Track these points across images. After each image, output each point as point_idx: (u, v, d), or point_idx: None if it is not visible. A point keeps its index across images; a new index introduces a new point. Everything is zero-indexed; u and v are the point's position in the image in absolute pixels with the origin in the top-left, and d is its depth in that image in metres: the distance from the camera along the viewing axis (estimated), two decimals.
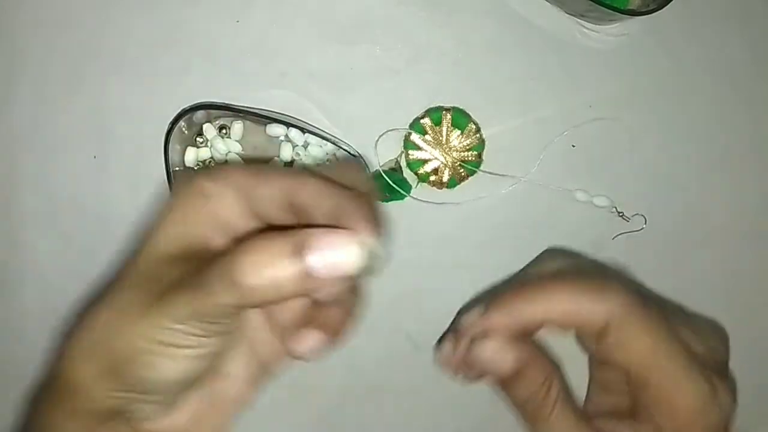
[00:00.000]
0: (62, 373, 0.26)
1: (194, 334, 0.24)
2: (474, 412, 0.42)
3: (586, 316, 0.26)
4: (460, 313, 0.29)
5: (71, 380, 0.25)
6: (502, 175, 0.39)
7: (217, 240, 0.25)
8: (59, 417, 0.26)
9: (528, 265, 0.35)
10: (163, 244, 0.26)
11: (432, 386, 0.41)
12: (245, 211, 0.26)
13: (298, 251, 0.22)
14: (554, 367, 0.27)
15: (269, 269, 0.22)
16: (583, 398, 0.33)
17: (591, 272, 0.30)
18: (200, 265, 0.23)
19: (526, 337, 0.28)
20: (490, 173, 0.39)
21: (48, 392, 0.27)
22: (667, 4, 0.35)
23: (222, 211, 0.25)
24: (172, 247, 0.25)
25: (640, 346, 0.26)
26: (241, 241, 0.23)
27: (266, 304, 0.23)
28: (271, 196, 0.25)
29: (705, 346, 0.28)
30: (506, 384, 0.28)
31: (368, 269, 0.23)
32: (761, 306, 0.41)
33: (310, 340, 0.25)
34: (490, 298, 0.28)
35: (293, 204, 0.25)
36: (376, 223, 0.24)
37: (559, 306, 0.27)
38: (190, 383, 0.26)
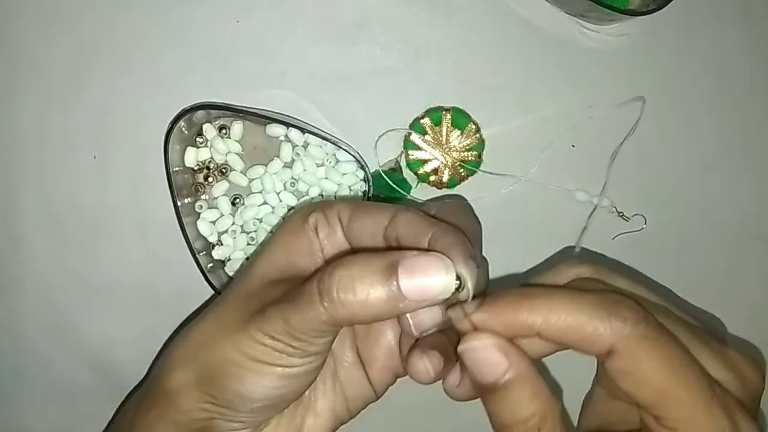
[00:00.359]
0: (160, 379, 0.27)
1: (284, 352, 0.25)
2: (474, 411, 0.42)
3: (589, 334, 0.23)
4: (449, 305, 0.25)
5: (167, 387, 0.27)
6: (502, 175, 0.39)
7: (316, 266, 0.27)
8: (152, 421, 0.27)
9: (542, 270, 0.33)
10: (267, 267, 0.27)
11: (432, 386, 0.41)
12: (345, 242, 0.28)
13: (390, 270, 0.23)
14: (552, 396, 0.23)
15: (359, 284, 0.23)
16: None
17: (609, 286, 0.26)
18: (297, 286, 0.25)
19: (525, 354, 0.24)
20: (490, 173, 0.39)
21: (145, 396, 0.28)
22: (667, 4, 0.35)
23: (324, 241, 0.27)
24: (275, 271, 0.27)
25: (652, 376, 0.23)
26: (333, 261, 0.24)
27: (355, 321, 0.24)
28: (370, 227, 0.26)
29: (732, 374, 0.25)
30: (490, 397, 0.24)
31: (454, 298, 0.23)
32: (761, 306, 0.41)
33: (433, 359, 0.25)
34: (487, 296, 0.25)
35: (388, 235, 0.26)
36: (468, 254, 0.24)
37: (559, 318, 0.23)
38: (276, 407, 0.27)
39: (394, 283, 0.23)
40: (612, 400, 0.28)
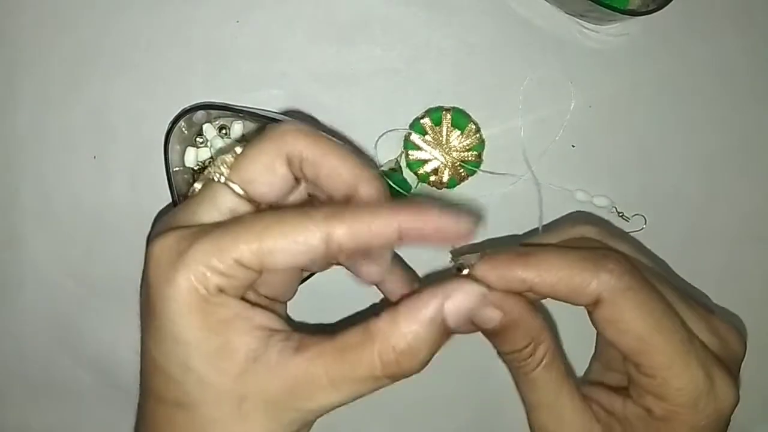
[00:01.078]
0: None
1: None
2: (474, 411, 0.42)
3: (577, 285, 0.25)
4: (454, 253, 0.28)
5: None
6: (502, 174, 0.39)
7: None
8: None
9: (551, 229, 0.34)
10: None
11: (432, 386, 0.41)
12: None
13: (442, 323, 0.23)
14: (545, 326, 0.26)
15: (422, 347, 0.23)
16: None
17: (602, 243, 0.28)
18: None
19: (519, 295, 0.26)
20: (490, 173, 0.39)
21: None
22: (667, 4, 0.35)
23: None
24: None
25: (633, 324, 0.25)
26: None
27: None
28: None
29: (715, 338, 0.27)
30: (491, 336, 0.27)
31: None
32: (761, 305, 0.41)
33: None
34: (490, 250, 0.27)
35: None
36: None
37: (550, 272, 0.25)
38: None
39: (448, 328, 0.23)
40: (604, 365, 0.30)
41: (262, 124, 0.38)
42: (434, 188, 0.39)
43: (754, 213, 0.40)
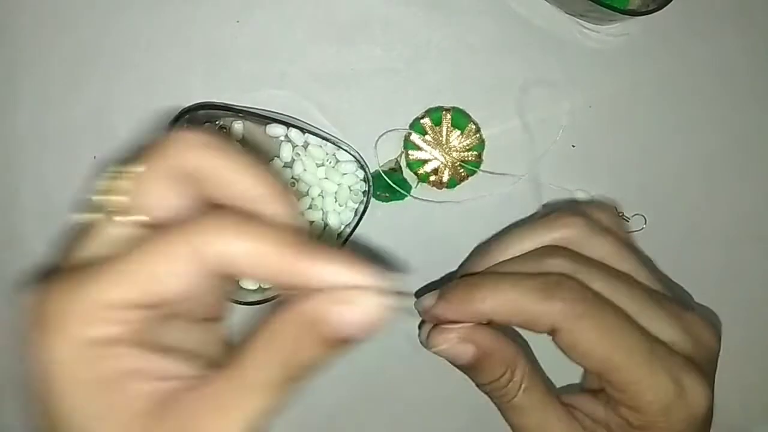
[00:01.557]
0: None
1: None
2: (474, 411, 0.42)
3: (531, 316, 0.26)
4: (418, 294, 0.29)
5: None
6: (502, 174, 0.39)
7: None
8: None
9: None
10: None
11: (432, 386, 0.41)
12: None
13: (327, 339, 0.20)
14: (518, 350, 0.27)
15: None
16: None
17: (569, 254, 0.28)
18: None
19: (487, 325, 0.27)
20: (490, 173, 0.39)
21: None
22: (667, 4, 0.35)
23: None
24: None
25: (592, 347, 0.25)
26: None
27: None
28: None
29: (687, 336, 0.27)
30: (468, 371, 0.28)
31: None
32: (761, 305, 0.41)
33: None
34: (446, 286, 0.28)
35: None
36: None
37: (505, 305, 0.26)
38: None
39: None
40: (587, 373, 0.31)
41: (262, 124, 0.38)
42: (434, 188, 0.39)
43: (754, 213, 0.40)
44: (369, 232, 0.39)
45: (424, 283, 0.40)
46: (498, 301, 0.26)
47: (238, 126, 0.38)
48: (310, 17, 0.39)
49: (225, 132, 0.39)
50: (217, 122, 0.39)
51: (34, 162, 0.40)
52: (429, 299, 0.28)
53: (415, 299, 0.28)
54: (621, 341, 0.25)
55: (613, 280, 0.27)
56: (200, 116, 0.38)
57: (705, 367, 0.27)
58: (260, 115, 0.37)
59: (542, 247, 0.29)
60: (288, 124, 0.37)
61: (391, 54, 0.39)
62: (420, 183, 0.39)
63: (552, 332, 0.26)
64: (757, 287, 0.41)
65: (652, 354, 0.25)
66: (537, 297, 0.25)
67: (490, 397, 0.29)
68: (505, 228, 0.39)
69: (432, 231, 0.40)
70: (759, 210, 0.41)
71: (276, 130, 0.38)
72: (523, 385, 0.27)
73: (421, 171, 0.39)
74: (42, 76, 0.40)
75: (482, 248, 0.30)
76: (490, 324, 0.27)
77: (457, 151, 0.39)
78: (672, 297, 0.28)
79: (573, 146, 0.40)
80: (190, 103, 0.38)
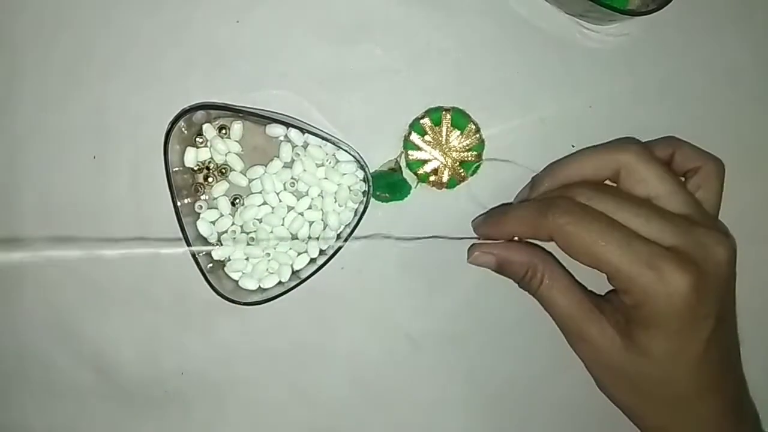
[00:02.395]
0: None
1: None
2: (474, 411, 0.42)
3: (535, 229, 0.33)
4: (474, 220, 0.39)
5: None
6: (505, 161, 0.39)
7: None
8: None
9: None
10: None
11: (432, 386, 0.41)
12: None
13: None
14: (536, 257, 0.35)
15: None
16: None
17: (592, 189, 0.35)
18: None
19: (513, 241, 0.36)
20: (493, 159, 0.39)
21: None
22: (667, 4, 0.35)
23: None
24: None
25: (579, 245, 0.32)
26: None
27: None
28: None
29: (691, 244, 0.32)
30: (501, 273, 0.36)
31: None
32: (761, 306, 0.41)
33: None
34: (486, 216, 0.38)
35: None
36: None
37: (518, 223, 0.35)
38: None
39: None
40: None
41: (263, 124, 0.38)
42: (434, 188, 0.39)
43: (754, 213, 0.40)
44: (369, 232, 0.39)
45: (424, 283, 0.40)
46: (514, 221, 0.35)
47: (238, 126, 0.38)
48: (310, 17, 0.39)
49: (225, 132, 0.39)
50: (217, 122, 0.39)
51: (34, 162, 0.40)
52: (476, 221, 0.39)
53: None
54: (601, 238, 0.31)
55: (617, 199, 0.33)
56: (200, 116, 0.38)
57: (711, 275, 0.32)
58: (260, 115, 0.37)
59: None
60: (288, 124, 0.37)
61: (391, 54, 0.39)
62: (420, 183, 0.39)
63: (552, 239, 0.33)
64: (757, 288, 0.41)
65: (630, 246, 0.31)
66: (537, 214, 0.33)
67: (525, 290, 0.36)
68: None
69: (432, 231, 0.40)
70: (759, 210, 0.41)
71: (276, 130, 0.38)
72: (544, 281, 0.34)
73: (421, 171, 0.39)
74: (42, 76, 0.40)
75: (553, 167, 0.37)
76: (518, 241, 0.36)
77: (457, 151, 0.39)
78: (696, 219, 0.33)
79: (573, 146, 0.40)
80: (190, 103, 0.38)
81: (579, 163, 0.36)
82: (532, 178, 0.38)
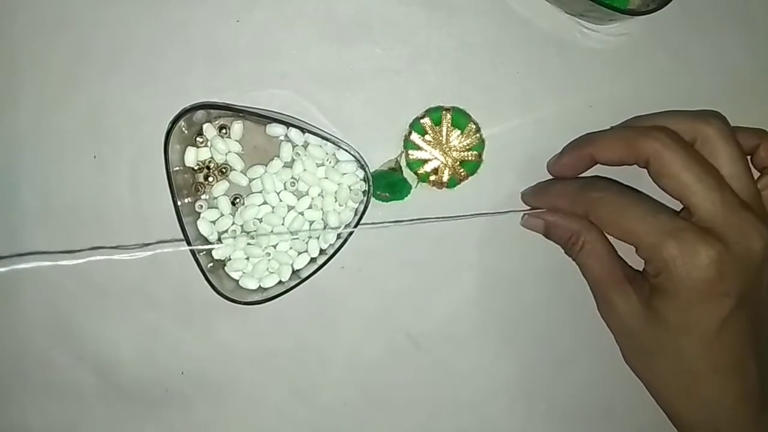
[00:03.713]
0: None
1: None
2: (474, 411, 0.42)
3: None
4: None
5: None
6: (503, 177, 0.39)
7: None
8: None
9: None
10: None
11: (432, 386, 0.41)
12: None
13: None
14: (583, 228, 0.36)
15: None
16: None
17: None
18: None
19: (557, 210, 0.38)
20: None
21: None
22: (667, 4, 0.35)
23: None
24: None
25: (610, 223, 0.34)
26: None
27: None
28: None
29: (728, 223, 0.32)
30: (548, 237, 0.38)
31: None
32: None
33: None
34: (533, 187, 0.39)
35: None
36: None
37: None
38: None
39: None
40: None
41: (263, 124, 0.38)
42: (434, 188, 0.39)
43: None
44: (369, 232, 0.39)
45: (424, 283, 0.40)
46: (557, 193, 0.37)
47: (238, 126, 0.38)
48: (310, 17, 0.39)
49: (225, 132, 0.39)
50: (217, 122, 0.39)
51: (34, 162, 0.40)
52: (525, 192, 0.40)
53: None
54: (631, 212, 0.33)
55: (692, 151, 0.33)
56: (200, 116, 0.38)
57: (738, 258, 0.32)
58: (260, 114, 0.37)
59: None
60: (288, 124, 0.37)
61: (391, 54, 0.39)
62: (420, 183, 0.39)
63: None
64: None
65: (655, 218, 0.32)
66: (577, 189, 0.36)
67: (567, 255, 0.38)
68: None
69: (432, 231, 0.40)
70: None
71: (276, 129, 0.38)
72: (584, 248, 0.36)
73: (421, 171, 0.39)
74: (42, 76, 0.40)
75: (637, 119, 0.38)
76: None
77: (457, 150, 0.39)
78: (750, 203, 0.33)
79: None
80: (191, 103, 0.38)
81: (663, 121, 0.35)
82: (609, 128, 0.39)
